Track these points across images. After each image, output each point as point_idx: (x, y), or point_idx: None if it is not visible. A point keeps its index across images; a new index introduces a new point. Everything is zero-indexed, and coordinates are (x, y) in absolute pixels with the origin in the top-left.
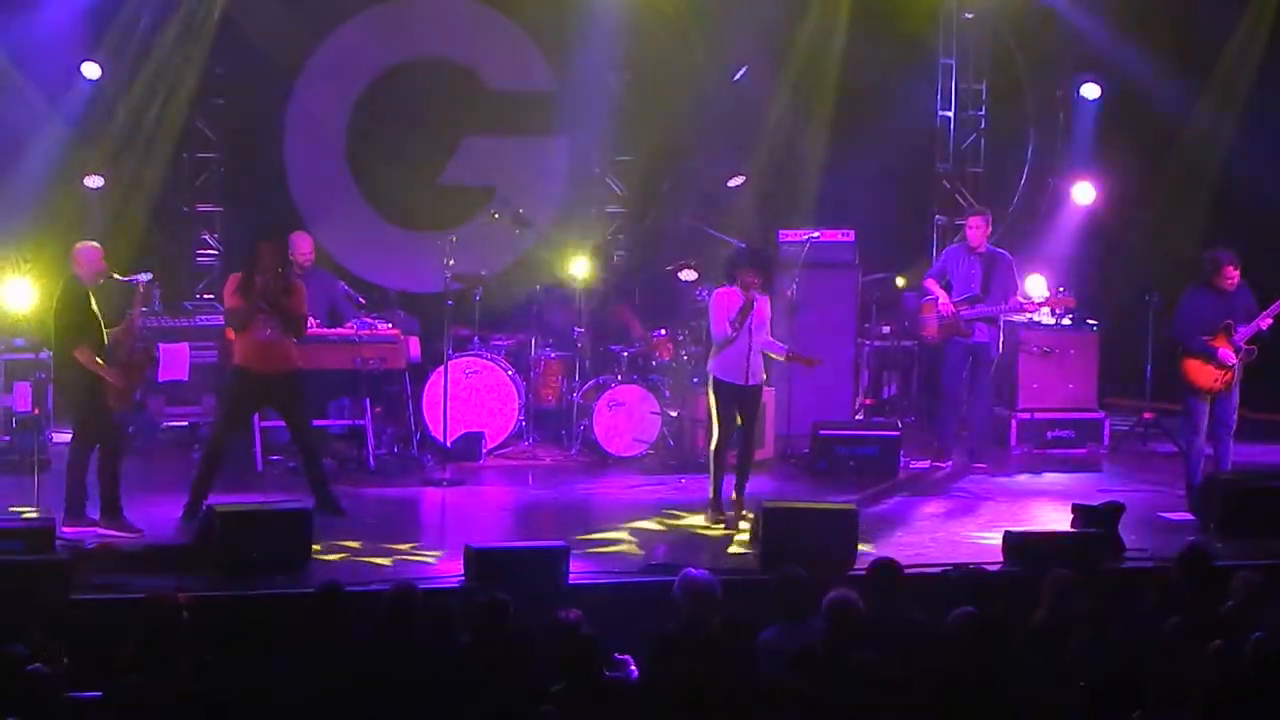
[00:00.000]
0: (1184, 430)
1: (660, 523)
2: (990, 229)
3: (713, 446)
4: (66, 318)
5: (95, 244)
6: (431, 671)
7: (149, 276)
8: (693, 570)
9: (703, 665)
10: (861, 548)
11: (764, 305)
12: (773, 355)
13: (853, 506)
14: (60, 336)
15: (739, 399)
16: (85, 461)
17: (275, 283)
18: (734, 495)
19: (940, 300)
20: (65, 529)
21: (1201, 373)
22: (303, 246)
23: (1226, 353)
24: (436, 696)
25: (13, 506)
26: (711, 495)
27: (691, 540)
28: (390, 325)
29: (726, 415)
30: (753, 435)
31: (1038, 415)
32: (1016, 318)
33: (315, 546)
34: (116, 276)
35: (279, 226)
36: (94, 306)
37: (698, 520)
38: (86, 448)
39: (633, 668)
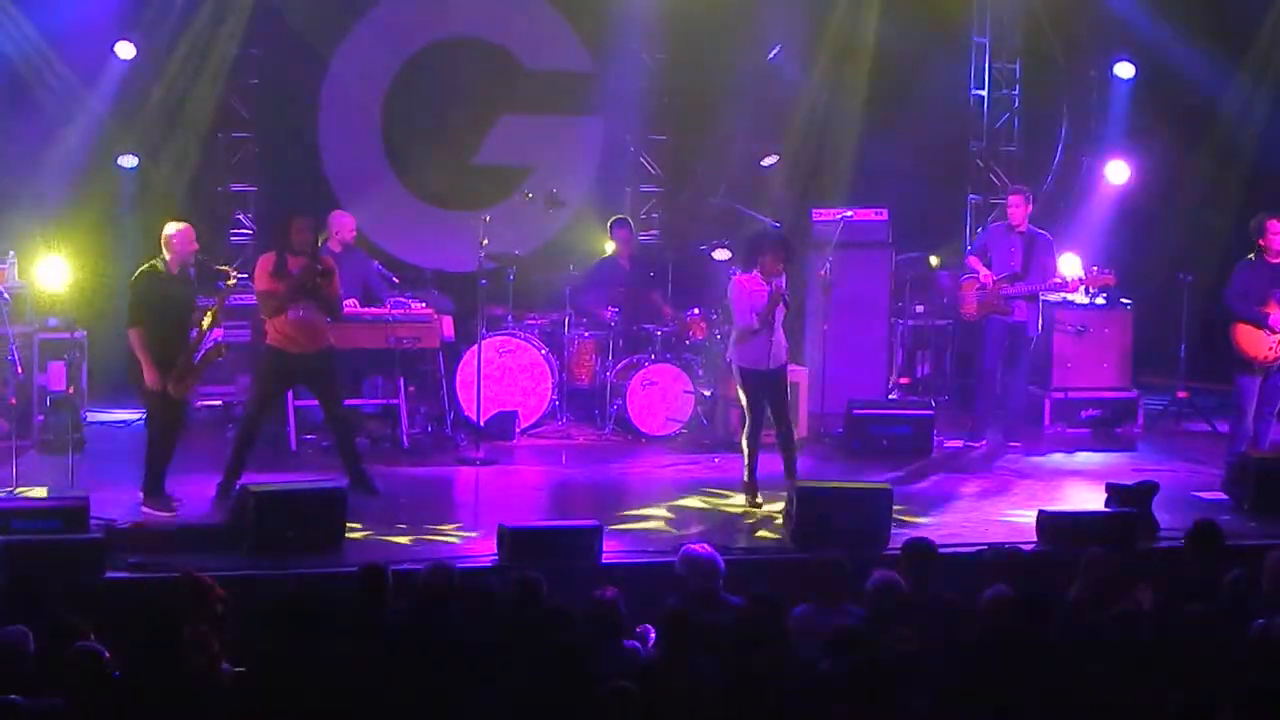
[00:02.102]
0: (1233, 409)
1: (694, 502)
2: (1030, 207)
3: (745, 432)
4: (132, 298)
5: (187, 225)
6: (468, 650)
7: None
8: (693, 545)
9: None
10: (895, 528)
11: (781, 289)
12: None
13: (887, 486)
14: (127, 315)
15: (764, 384)
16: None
17: (312, 267)
18: (785, 479)
19: (982, 274)
20: (144, 508)
21: (1252, 340)
22: (346, 224)
23: (1278, 318)
24: (474, 675)
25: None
26: (746, 478)
27: (725, 519)
28: (424, 304)
29: (756, 401)
30: (786, 417)
31: (1072, 394)
32: (1052, 297)
33: (349, 526)
34: (219, 268)
35: (304, 205)
36: (170, 289)
37: (731, 500)
38: (155, 429)
39: (652, 636)
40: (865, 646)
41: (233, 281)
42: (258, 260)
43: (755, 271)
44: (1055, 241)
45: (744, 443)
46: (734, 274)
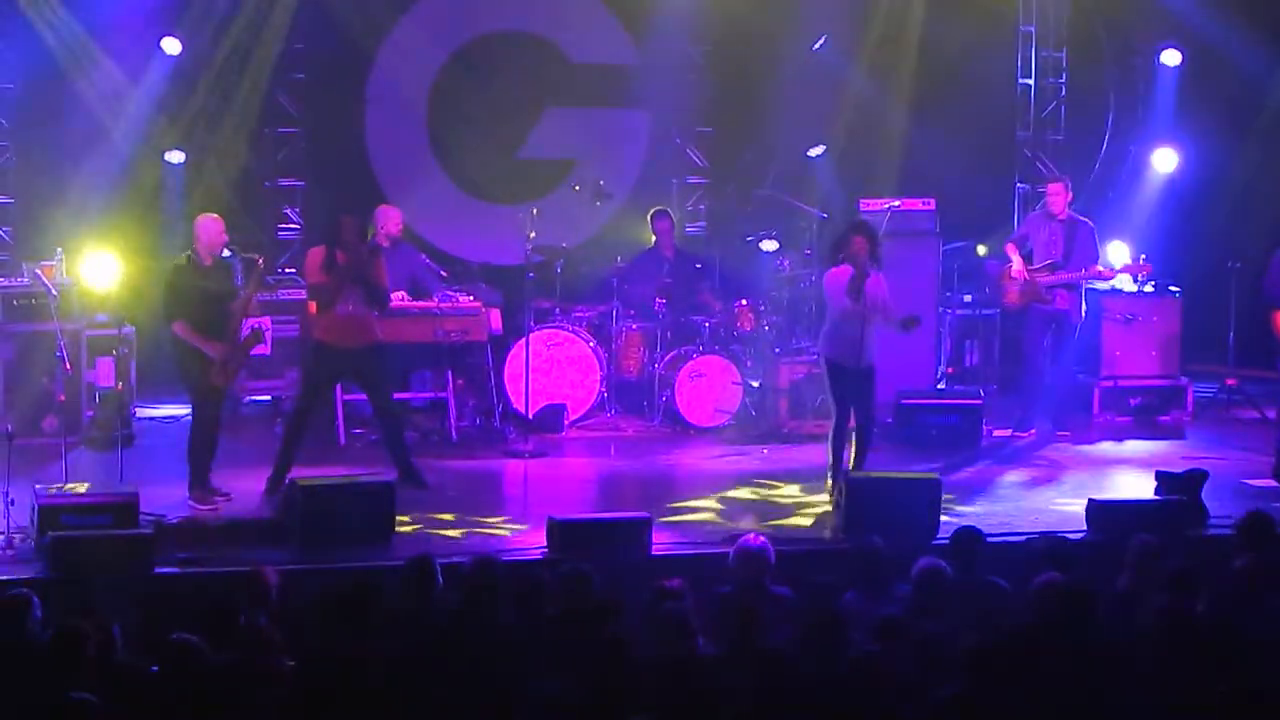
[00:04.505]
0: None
1: (743, 493)
2: (1070, 195)
3: (831, 427)
4: (167, 292)
5: (216, 215)
6: (516, 643)
7: (259, 259)
8: (747, 537)
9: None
10: (944, 517)
11: (880, 284)
12: (891, 322)
13: (935, 476)
14: (162, 311)
15: (849, 380)
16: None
17: (359, 256)
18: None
19: (1014, 263)
20: (190, 501)
21: None
22: (393, 218)
23: None
24: (521, 668)
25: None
26: (829, 475)
27: (774, 510)
28: (472, 298)
29: (840, 396)
30: (866, 416)
31: (1120, 383)
32: (1099, 285)
33: (398, 519)
34: (244, 254)
35: (351, 200)
36: (204, 283)
37: (780, 490)
38: (199, 422)
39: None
40: (907, 633)
41: (260, 267)
42: (307, 254)
43: (844, 264)
44: (1101, 229)
45: (829, 437)
46: (782, 264)
